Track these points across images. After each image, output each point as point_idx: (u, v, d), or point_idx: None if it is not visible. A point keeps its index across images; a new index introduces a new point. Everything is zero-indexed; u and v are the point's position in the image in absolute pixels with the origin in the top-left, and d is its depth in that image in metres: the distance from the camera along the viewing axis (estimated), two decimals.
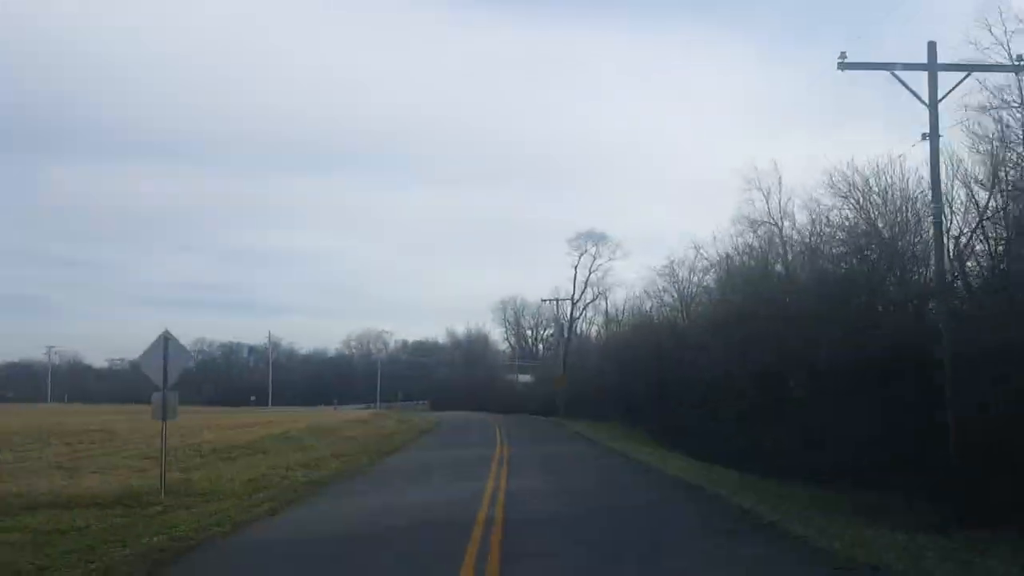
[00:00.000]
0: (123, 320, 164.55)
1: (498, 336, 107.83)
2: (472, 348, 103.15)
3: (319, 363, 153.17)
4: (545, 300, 64.73)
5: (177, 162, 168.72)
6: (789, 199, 36.32)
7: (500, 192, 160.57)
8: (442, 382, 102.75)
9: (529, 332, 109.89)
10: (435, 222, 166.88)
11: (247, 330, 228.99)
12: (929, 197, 20.67)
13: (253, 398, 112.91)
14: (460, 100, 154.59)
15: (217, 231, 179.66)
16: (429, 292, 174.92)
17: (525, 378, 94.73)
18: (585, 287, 75.69)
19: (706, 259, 43.42)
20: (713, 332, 38.04)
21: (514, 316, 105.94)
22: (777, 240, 36.63)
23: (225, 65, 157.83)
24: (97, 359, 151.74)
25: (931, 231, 21.32)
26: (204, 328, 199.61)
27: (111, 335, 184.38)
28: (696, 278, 46.98)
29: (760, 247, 37.77)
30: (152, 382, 16.48)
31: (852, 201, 29.82)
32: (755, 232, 37.91)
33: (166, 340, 15.82)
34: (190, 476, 18.97)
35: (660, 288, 48.42)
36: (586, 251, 74.95)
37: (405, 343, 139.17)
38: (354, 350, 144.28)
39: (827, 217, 30.88)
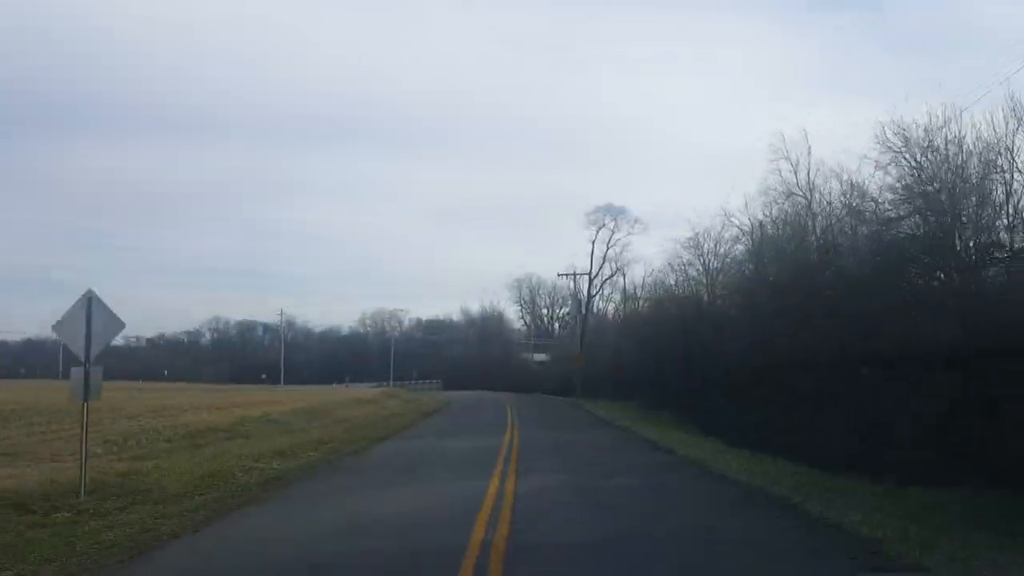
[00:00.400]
0: (142, 297, 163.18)
1: (513, 315, 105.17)
2: (486, 326, 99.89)
3: (334, 341, 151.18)
4: (562, 275, 61.37)
5: (196, 140, 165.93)
6: (818, 169, 33.11)
7: (517, 168, 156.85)
8: (455, 361, 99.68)
9: (545, 311, 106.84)
10: (451, 199, 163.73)
11: (264, 308, 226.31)
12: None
13: (264, 376, 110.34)
14: (476, 75, 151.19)
15: (237, 209, 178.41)
16: (445, 270, 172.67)
17: (540, 357, 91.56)
18: (603, 263, 72.27)
19: (737, 226, 39.82)
20: (744, 307, 34.68)
21: (529, 295, 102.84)
22: (805, 212, 33.45)
23: (243, 41, 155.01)
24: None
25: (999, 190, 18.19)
26: (223, 306, 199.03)
27: (129, 312, 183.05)
28: (723, 249, 43.50)
29: (796, 213, 34.25)
30: (72, 353, 13.13)
31: (906, 157, 26.35)
32: (784, 203, 34.78)
33: (89, 301, 12.46)
34: (141, 467, 15.84)
35: (684, 261, 44.86)
36: (604, 225, 71.51)
37: (419, 321, 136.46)
38: (368, 328, 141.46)
39: (864, 184, 27.43)
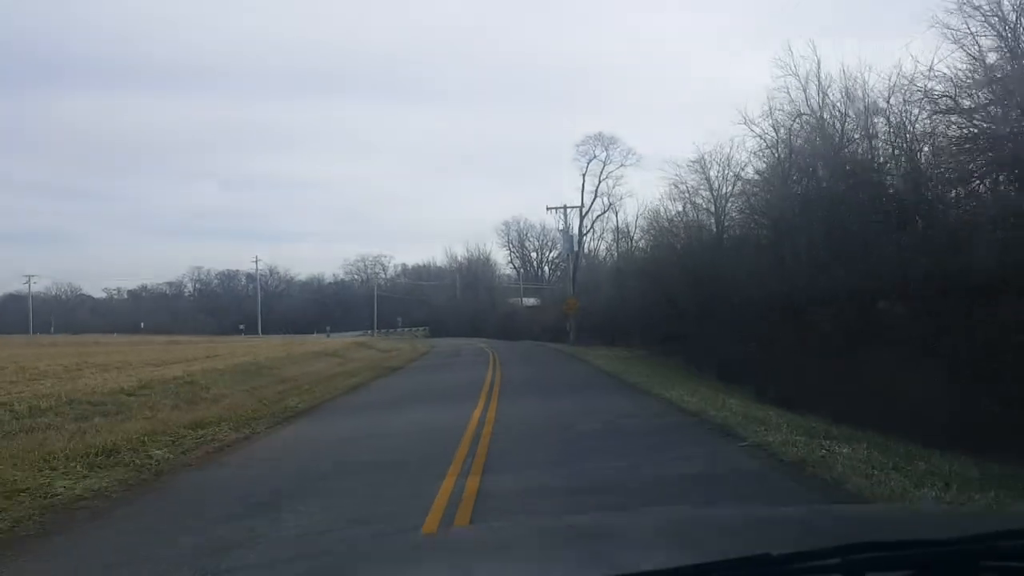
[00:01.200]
0: (127, 249, 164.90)
1: (502, 259, 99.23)
2: (472, 269, 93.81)
3: (317, 290, 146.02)
4: (551, 208, 55.18)
5: (180, 90, 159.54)
6: (830, 85, 27.24)
7: (505, 114, 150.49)
8: (441, 307, 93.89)
9: (534, 255, 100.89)
10: (439, 146, 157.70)
11: (246, 258, 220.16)
12: None
13: (242, 327, 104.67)
14: (459, 16, 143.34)
15: (220, 159, 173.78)
16: (432, 219, 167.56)
17: (531, 301, 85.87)
18: (594, 198, 66.07)
19: (758, 135, 33.70)
20: (767, 238, 28.86)
21: (518, 238, 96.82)
22: (832, 129, 27.71)
23: None
24: (96, 290, 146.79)
25: None
26: (206, 257, 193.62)
27: (116, 265, 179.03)
28: (732, 173, 37.47)
29: (828, 120, 28.25)
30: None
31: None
32: (796, 123, 29.15)
33: None
34: None
35: (689, 187, 38.69)
36: (595, 157, 65.29)
37: (405, 267, 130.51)
38: (354, 276, 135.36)
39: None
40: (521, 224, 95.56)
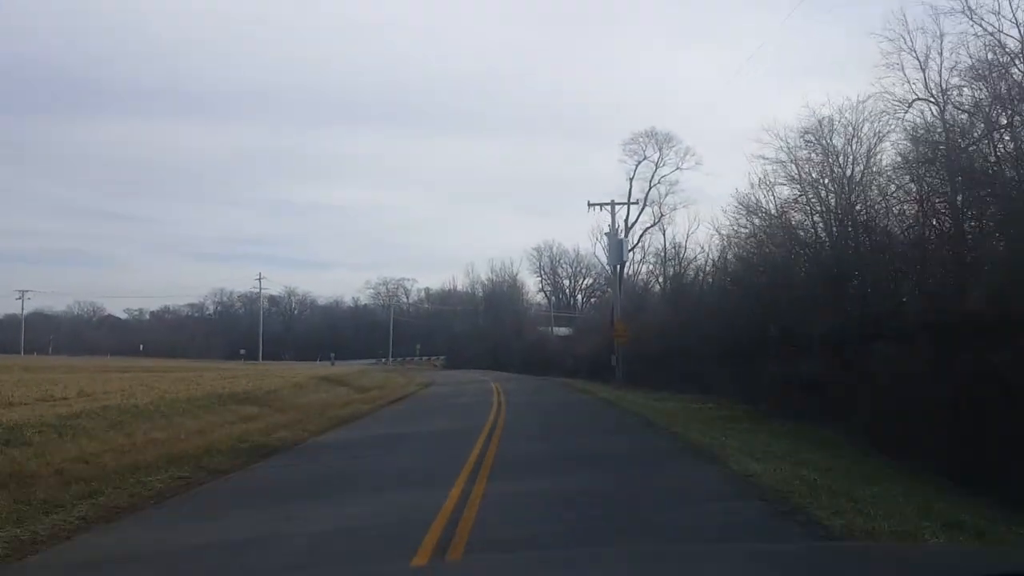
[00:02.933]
0: (161, 271, 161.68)
1: (532, 286, 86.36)
2: (496, 291, 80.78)
3: (335, 314, 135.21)
4: (594, 206, 42.26)
5: (217, 119, 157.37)
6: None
7: (532, 144, 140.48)
8: (460, 335, 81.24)
9: (567, 282, 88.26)
10: (466, 173, 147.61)
11: (269, 281, 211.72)
12: None
13: (243, 352, 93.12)
14: (490, 49, 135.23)
15: (253, 186, 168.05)
16: (460, 243, 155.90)
17: (563, 331, 73.32)
18: (642, 208, 53.33)
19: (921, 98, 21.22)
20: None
21: (550, 264, 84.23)
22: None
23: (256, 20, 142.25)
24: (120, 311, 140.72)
25: None
26: (240, 280, 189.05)
27: (152, 286, 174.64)
28: (866, 147, 24.95)
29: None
30: None
31: None
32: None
33: None
34: None
35: (804, 173, 25.97)
36: (645, 158, 52.78)
37: (428, 291, 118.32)
38: (374, 300, 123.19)
39: None
40: (554, 249, 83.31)
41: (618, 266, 41.26)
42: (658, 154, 52.26)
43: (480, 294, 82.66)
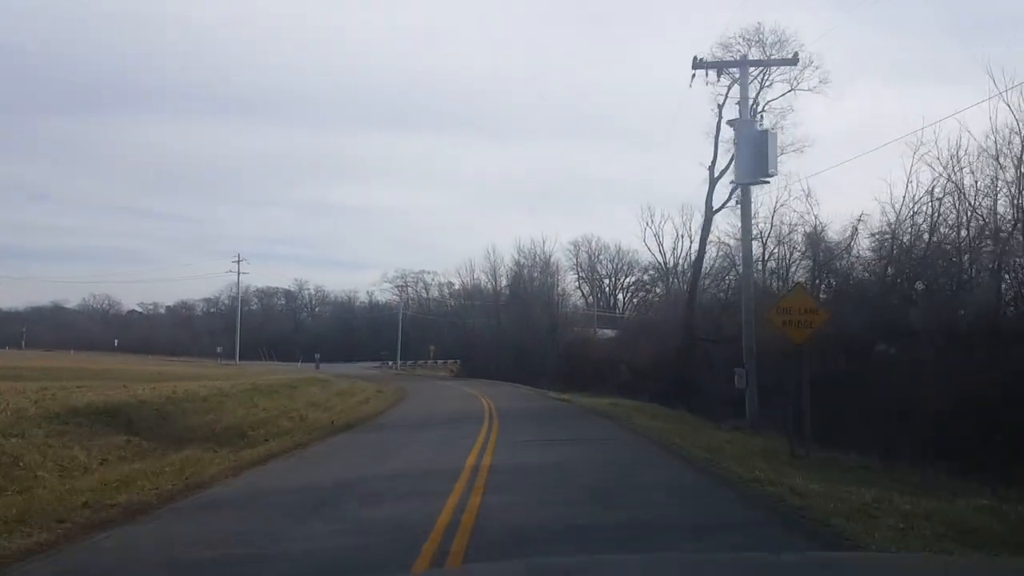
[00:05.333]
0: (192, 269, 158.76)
1: (569, 285, 67.40)
2: (523, 278, 60.76)
3: (351, 311, 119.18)
4: (702, 64, 22.84)
5: (255, 120, 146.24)
6: None
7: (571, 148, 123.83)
8: (479, 335, 62.34)
9: (607, 280, 69.70)
10: (503, 179, 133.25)
11: (284, 277, 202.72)
12: None
13: (219, 350, 76.13)
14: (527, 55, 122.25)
15: (290, 187, 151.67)
16: (494, 242, 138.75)
17: (608, 333, 55.04)
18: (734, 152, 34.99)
19: None
20: None
21: (588, 260, 65.56)
22: None
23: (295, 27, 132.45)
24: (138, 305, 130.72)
25: None
26: (268, 278, 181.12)
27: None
28: None
29: None
30: None
31: None
32: None
33: None
34: None
35: None
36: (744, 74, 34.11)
37: (451, 286, 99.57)
38: (391, 295, 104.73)
39: None
40: (593, 244, 64.70)
41: (752, 185, 20.52)
42: (763, 72, 33.40)
43: (503, 282, 62.90)
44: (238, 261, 73.40)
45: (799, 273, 29.37)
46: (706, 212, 37.16)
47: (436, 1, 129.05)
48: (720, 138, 35.25)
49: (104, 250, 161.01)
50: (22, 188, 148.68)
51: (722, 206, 36.53)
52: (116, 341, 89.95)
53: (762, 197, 35.37)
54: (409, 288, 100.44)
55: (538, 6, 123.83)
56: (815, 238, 27.95)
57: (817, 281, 27.47)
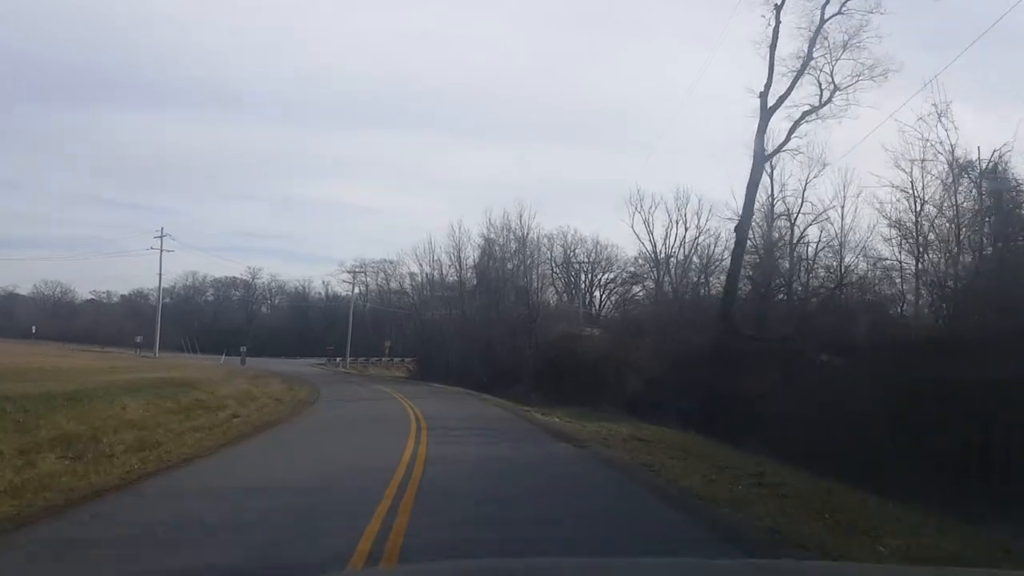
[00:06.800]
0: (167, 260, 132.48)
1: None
2: (493, 256, 48.06)
3: (305, 303, 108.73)
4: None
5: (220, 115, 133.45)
6: None
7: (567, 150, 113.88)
8: (441, 327, 49.94)
9: (582, 276, 57.29)
10: (481, 181, 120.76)
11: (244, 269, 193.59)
12: None
13: (139, 339, 64.01)
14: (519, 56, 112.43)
15: (267, 182, 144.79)
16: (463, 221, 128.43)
17: (592, 331, 43.40)
18: (798, 75, 24.55)
19: None
20: None
21: (563, 253, 52.98)
22: None
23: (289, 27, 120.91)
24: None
25: None
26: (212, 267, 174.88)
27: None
28: None
29: None
30: None
31: None
32: None
33: None
34: None
35: None
36: None
37: (412, 277, 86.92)
38: (348, 282, 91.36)
39: None
40: (569, 237, 52.53)
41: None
42: None
43: (469, 262, 50.04)
44: (160, 236, 60.84)
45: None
46: (755, 158, 26.42)
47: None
48: (777, 54, 24.72)
49: (63, 238, 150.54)
50: None
51: (780, 147, 25.69)
52: (34, 328, 77.54)
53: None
54: (368, 278, 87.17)
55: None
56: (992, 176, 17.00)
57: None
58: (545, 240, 50.24)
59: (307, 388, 29.18)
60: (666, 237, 46.51)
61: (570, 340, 33.12)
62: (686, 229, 45.56)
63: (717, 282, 40.59)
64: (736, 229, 27.02)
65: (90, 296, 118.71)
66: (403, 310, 67.90)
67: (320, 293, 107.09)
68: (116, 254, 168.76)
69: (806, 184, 28.69)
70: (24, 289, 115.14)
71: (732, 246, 28.99)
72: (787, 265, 29.89)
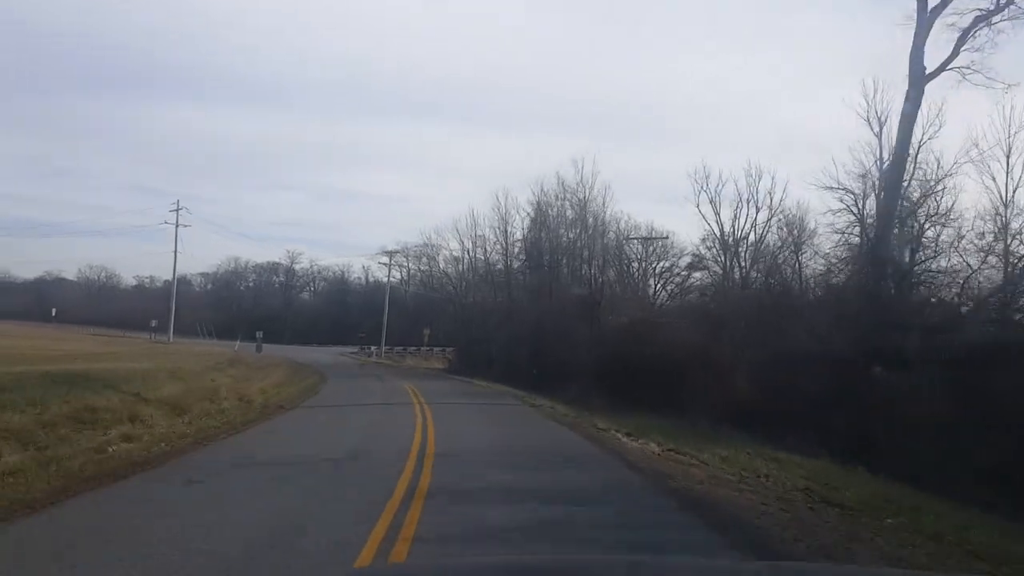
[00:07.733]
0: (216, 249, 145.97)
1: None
2: (547, 226, 39.62)
3: (346, 289, 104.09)
4: None
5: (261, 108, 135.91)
6: None
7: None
8: (483, 313, 42.35)
9: (635, 265, 49.22)
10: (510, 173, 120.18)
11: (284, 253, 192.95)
12: None
13: (154, 323, 58.62)
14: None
15: (307, 172, 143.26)
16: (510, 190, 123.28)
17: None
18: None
19: None
20: None
21: (615, 240, 45.16)
22: None
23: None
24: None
25: None
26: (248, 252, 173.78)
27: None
28: None
29: None
30: None
31: None
32: None
33: None
34: None
35: None
36: None
37: (457, 260, 79.75)
38: (384, 265, 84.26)
39: None
40: (622, 224, 44.44)
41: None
42: None
43: (517, 235, 43.79)
44: (176, 210, 55.15)
45: None
46: (911, 78, 18.99)
47: None
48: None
49: (113, 226, 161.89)
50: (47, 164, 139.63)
51: (945, 64, 18.31)
52: (54, 310, 73.36)
53: None
54: (410, 263, 79.90)
55: None
56: None
57: None
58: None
59: (306, 384, 22.60)
60: (734, 218, 39.17)
61: (647, 328, 25.76)
62: (757, 210, 38.04)
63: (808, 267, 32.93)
64: (883, 175, 19.58)
65: (134, 281, 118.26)
66: (444, 295, 61.17)
67: (360, 279, 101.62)
68: (153, 240, 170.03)
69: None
70: (70, 274, 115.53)
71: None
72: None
